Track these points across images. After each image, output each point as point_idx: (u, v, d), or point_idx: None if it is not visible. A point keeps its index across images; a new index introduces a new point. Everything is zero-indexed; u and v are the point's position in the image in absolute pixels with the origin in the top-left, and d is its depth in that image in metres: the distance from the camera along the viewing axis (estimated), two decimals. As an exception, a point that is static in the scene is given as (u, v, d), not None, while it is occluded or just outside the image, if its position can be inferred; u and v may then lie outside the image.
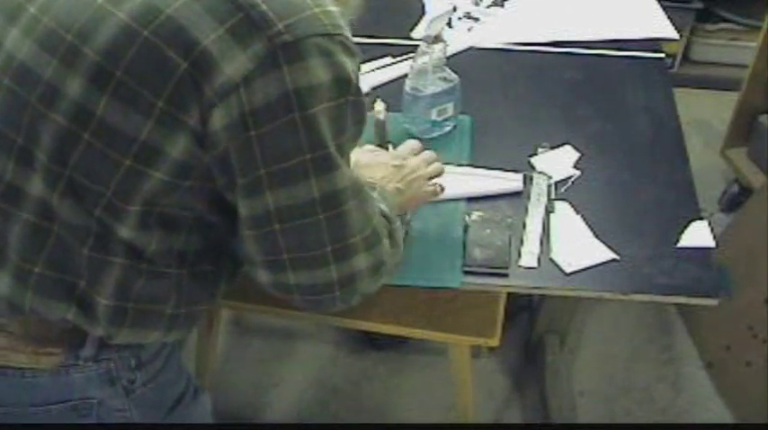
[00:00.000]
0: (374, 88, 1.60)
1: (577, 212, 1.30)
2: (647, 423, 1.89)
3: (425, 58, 1.39)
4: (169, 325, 0.93)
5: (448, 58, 1.43)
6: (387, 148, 1.37)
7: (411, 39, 1.75)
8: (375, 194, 1.02)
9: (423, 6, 1.88)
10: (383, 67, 1.66)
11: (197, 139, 0.79)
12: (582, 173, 1.39)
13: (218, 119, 0.77)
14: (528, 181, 1.36)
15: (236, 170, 0.81)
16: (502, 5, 1.91)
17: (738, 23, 2.88)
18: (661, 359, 2.04)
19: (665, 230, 1.27)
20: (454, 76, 1.43)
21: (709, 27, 2.91)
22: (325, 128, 0.81)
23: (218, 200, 0.86)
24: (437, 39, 1.38)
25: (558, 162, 1.41)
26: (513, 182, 1.34)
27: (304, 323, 2.07)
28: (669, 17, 1.86)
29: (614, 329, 2.11)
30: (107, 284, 0.86)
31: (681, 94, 1.66)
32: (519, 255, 1.23)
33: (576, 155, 1.43)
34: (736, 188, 2.39)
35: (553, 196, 1.34)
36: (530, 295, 2.04)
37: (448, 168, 1.37)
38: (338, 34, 0.82)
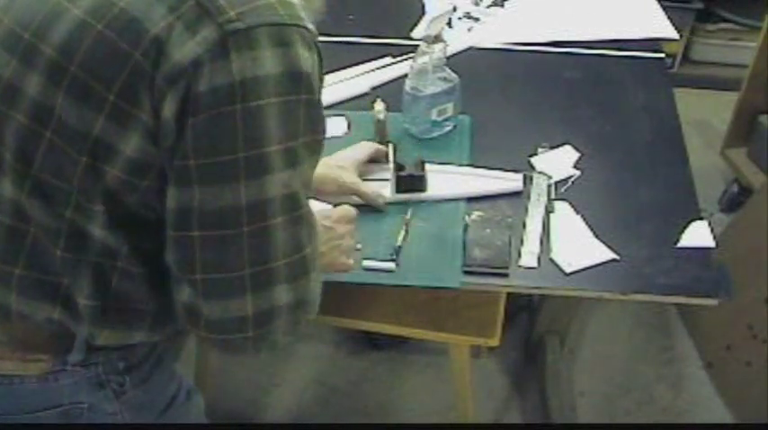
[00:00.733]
0: (374, 88, 1.60)
1: (577, 212, 1.30)
2: (647, 423, 1.89)
3: (425, 58, 1.39)
4: (152, 324, 0.91)
5: (448, 58, 1.43)
6: (387, 148, 1.37)
7: (411, 39, 1.75)
8: None
9: (423, 6, 1.88)
10: (383, 66, 1.66)
11: (150, 136, 0.77)
12: (582, 173, 1.39)
13: (167, 107, 0.75)
14: (528, 181, 1.36)
15: (173, 158, 0.78)
16: (502, 5, 1.91)
17: (738, 23, 2.88)
18: (661, 359, 2.04)
19: (664, 230, 1.27)
20: (454, 75, 1.43)
21: (710, 27, 2.92)
22: (269, 125, 0.77)
23: None
24: (437, 39, 1.38)
25: (558, 162, 1.41)
26: (513, 182, 1.34)
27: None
28: (669, 17, 1.86)
29: (614, 329, 2.11)
30: (85, 284, 0.85)
31: (681, 94, 1.66)
32: (519, 254, 1.23)
33: (575, 155, 1.43)
34: (736, 188, 2.39)
35: (553, 196, 1.34)
36: (530, 295, 2.04)
37: (448, 168, 1.37)
38: (295, 25, 0.78)
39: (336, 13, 1.85)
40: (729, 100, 2.43)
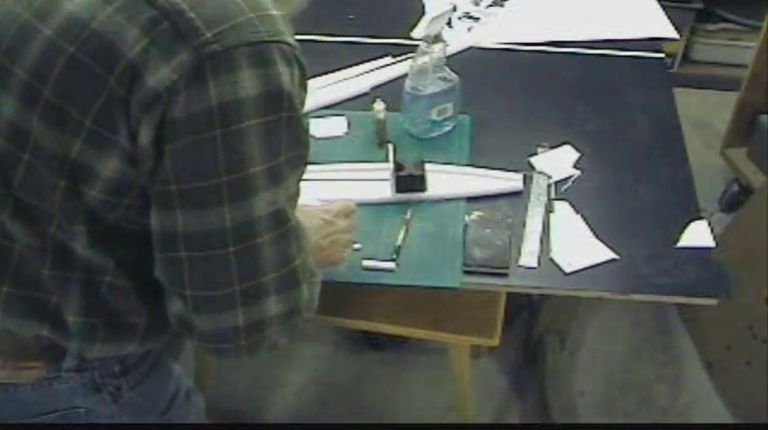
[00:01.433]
0: (374, 88, 1.60)
1: (577, 212, 1.30)
2: (647, 423, 1.89)
3: (425, 58, 1.39)
4: (143, 336, 0.90)
5: (448, 57, 1.43)
6: (387, 148, 1.38)
7: (411, 39, 1.75)
8: None
9: (423, 6, 1.88)
10: (383, 66, 1.66)
11: (129, 159, 0.76)
12: (582, 173, 1.39)
13: (144, 133, 0.73)
14: (528, 181, 1.36)
15: (154, 183, 0.77)
16: (502, 5, 1.91)
17: (738, 23, 2.88)
18: (661, 359, 2.04)
19: (664, 230, 1.27)
20: (454, 75, 1.43)
21: (710, 27, 2.92)
22: (252, 147, 0.75)
23: None
24: (437, 39, 1.38)
25: (558, 162, 1.41)
26: (512, 182, 1.34)
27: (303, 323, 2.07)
28: (669, 17, 1.86)
29: (614, 329, 2.11)
30: (73, 301, 0.84)
31: (681, 94, 1.66)
32: (519, 254, 1.23)
33: (575, 155, 1.43)
34: (736, 188, 2.39)
35: (553, 196, 1.34)
36: (530, 295, 2.04)
37: (448, 168, 1.37)
38: (277, 41, 0.75)
39: (336, 13, 1.85)
40: (729, 100, 2.43)
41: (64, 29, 0.75)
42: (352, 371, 2.00)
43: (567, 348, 2.01)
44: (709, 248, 1.24)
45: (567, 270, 1.20)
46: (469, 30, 1.82)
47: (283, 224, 0.81)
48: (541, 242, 1.25)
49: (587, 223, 1.28)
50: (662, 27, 1.83)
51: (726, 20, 2.89)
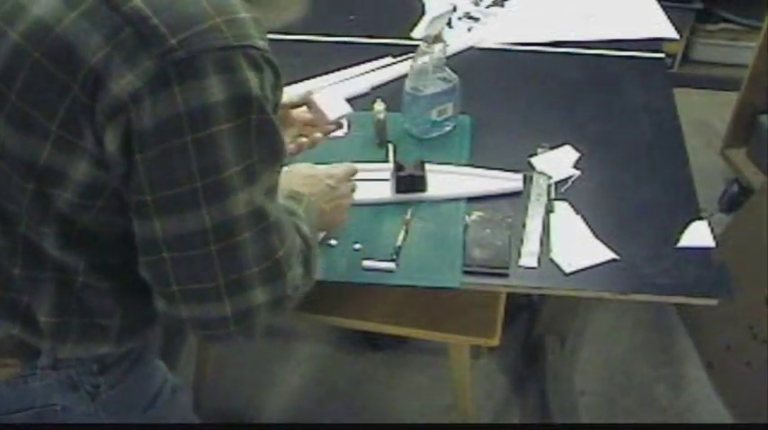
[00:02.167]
0: (374, 88, 1.60)
1: (577, 212, 1.30)
2: (647, 423, 1.89)
3: (425, 58, 1.39)
4: (118, 337, 0.89)
5: (448, 57, 1.43)
6: (387, 148, 1.38)
7: (411, 39, 1.75)
8: (301, 209, 0.98)
9: (423, 6, 1.88)
10: (383, 66, 1.66)
11: (97, 163, 0.76)
12: (582, 173, 1.39)
13: (110, 140, 0.73)
14: (528, 181, 1.36)
15: (129, 190, 0.77)
16: (502, 5, 1.91)
17: (738, 23, 2.88)
18: (661, 359, 2.04)
19: (664, 230, 1.27)
20: (454, 76, 1.43)
21: (710, 27, 2.92)
22: (224, 150, 0.75)
23: None
24: (437, 39, 1.38)
25: (558, 162, 1.41)
26: (512, 182, 1.34)
27: (303, 323, 2.07)
28: (669, 17, 1.86)
29: (614, 329, 2.11)
30: (45, 301, 0.84)
31: (681, 94, 1.66)
32: (519, 254, 1.23)
33: (575, 155, 1.43)
34: (736, 188, 2.39)
35: (553, 196, 1.34)
36: (530, 295, 2.04)
37: (448, 168, 1.37)
38: (243, 46, 0.74)
39: (337, 14, 1.85)
40: (729, 100, 2.43)
41: (29, 33, 0.74)
42: (351, 371, 2.00)
43: (567, 348, 2.01)
44: (709, 248, 1.24)
45: (567, 270, 1.20)
46: (469, 30, 1.82)
47: (263, 220, 0.81)
48: (541, 242, 1.25)
49: (587, 223, 1.28)
50: (662, 27, 1.83)
51: (726, 20, 2.89)
